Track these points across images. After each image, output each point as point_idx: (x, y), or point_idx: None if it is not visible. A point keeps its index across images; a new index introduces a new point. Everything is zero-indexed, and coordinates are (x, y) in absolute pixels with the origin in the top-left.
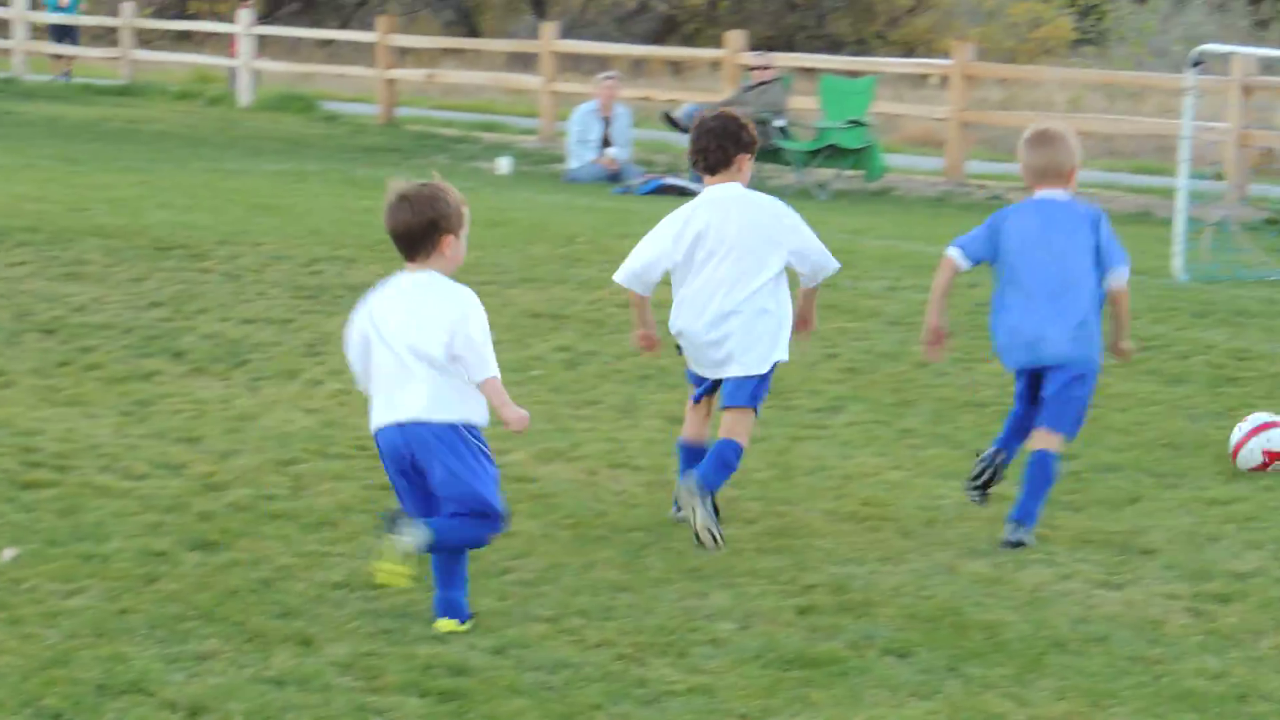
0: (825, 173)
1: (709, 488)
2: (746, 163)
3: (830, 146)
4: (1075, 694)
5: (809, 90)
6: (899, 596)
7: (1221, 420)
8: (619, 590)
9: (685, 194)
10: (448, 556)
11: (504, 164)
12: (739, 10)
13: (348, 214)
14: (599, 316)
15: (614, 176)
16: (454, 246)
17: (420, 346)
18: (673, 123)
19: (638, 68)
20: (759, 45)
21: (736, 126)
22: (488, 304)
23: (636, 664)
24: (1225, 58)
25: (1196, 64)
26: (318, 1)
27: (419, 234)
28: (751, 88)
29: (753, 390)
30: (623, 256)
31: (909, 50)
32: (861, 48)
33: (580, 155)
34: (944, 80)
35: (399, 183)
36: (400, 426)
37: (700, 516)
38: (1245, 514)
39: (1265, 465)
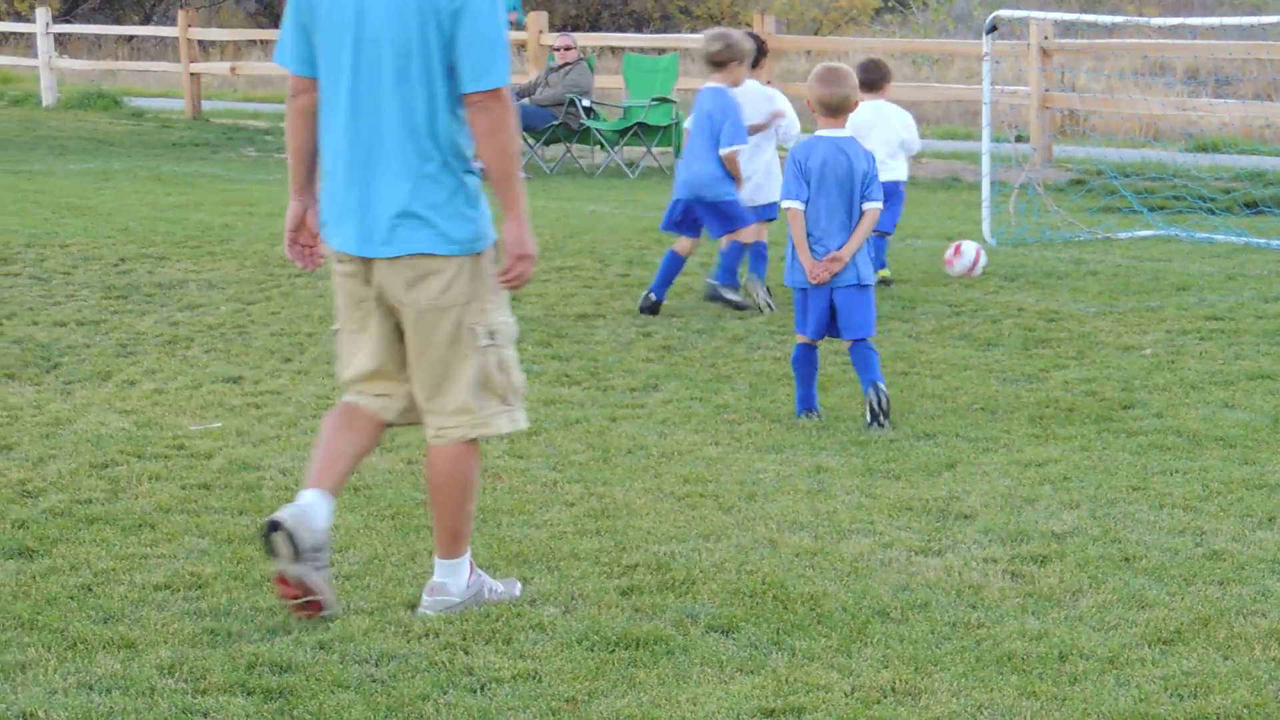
0: (635, 151)
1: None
2: None
3: (638, 124)
4: (899, 662)
5: (614, 69)
6: (721, 572)
7: (1034, 383)
8: None
9: None
10: None
11: None
12: None
13: (157, 211)
14: None
15: None
16: None
17: None
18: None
19: None
20: (563, 25)
21: None
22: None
23: (463, 652)
24: (1024, 22)
25: (993, 29)
26: None
27: None
28: (556, 69)
29: None
30: None
31: (715, 24)
32: (667, 24)
33: None
34: None
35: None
36: None
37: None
38: (1060, 474)
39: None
